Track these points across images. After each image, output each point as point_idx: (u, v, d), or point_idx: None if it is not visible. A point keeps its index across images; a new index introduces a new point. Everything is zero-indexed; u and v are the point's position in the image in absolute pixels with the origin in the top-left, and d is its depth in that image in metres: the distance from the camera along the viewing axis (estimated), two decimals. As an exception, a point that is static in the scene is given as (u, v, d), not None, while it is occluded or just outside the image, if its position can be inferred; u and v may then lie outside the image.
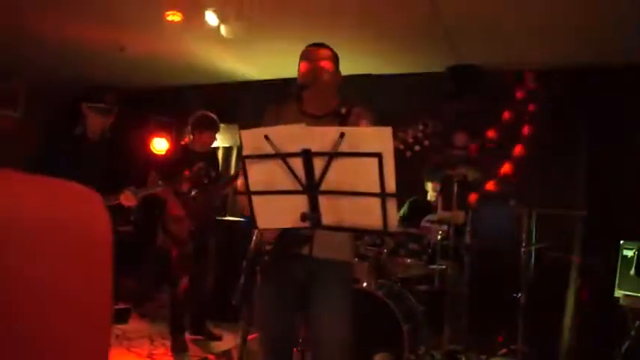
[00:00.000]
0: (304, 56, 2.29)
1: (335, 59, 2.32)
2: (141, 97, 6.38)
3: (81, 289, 0.66)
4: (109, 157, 3.46)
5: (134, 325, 4.78)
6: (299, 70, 2.29)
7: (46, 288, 0.63)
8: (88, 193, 0.70)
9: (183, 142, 4.44)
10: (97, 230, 0.68)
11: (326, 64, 2.26)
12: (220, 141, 6.10)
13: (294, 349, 2.38)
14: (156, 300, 5.30)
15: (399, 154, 1.89)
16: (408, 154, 1.98)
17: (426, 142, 1.95)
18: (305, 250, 1.96)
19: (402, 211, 4.50)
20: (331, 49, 2.32)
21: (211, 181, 4.00)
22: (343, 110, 2.24)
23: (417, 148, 1.98)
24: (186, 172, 3.92)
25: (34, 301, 0.62)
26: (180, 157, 4.22)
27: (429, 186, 4.57)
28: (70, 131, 3.39)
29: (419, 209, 4.46)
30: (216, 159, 4.53)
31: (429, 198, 4.55)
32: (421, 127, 1.96)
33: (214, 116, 4.32)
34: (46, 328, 0.62)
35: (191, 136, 4.26)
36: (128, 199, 3.32)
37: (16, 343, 0.60)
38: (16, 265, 0.60)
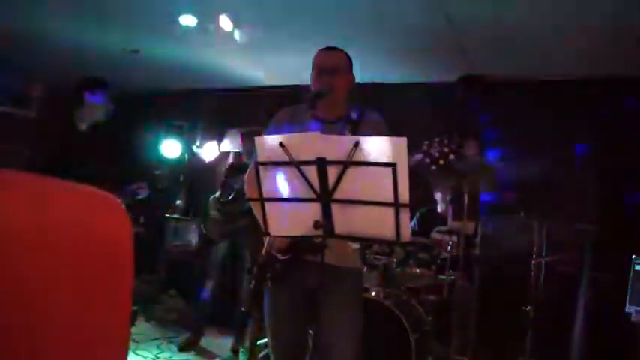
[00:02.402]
0: (319, 65, 2.24)
1: (349, 64, 2.30)
2: (153, 101, 6.42)
3: (102, 294, 0.66)
4: (103, 152, 3.42)
5: (141, 327, 4.79)
6: (314, 79, 2.25)
7: (67, 294, 0.63)
8: (112, 200, 0.70)
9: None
10: (119, 237, 0.69)
11: (342, 73, 2.24)
12: (231, 146, 6.14)
13: (306, 356, 2.37)
14: (163, 303, 5.31)
15: (423, 167, 1.89)
16: (434, 167, 1.97)
17: (452, 157, 1.94)
18: (318, 258, 1.97)
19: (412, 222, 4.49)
20: (345, 53, 2.30)
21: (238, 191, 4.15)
22: (354, 116, 2.23)
23: (441, 162, 1.97)
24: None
25: (57, 305, 0.62)
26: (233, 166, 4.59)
27: (438, 195, 4.55)
28: (69, 123, 3.33)
29: (429, 219, 4.44)
30: None
31: (439, 210, 4.53)
32: (446, 141, 1.95)
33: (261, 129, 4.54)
34: (69, 330, 0.62)
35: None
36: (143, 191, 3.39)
37: (37, 346, 0.60)
38: (35, 273, 0.60)
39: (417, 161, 2.03)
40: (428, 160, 1.99)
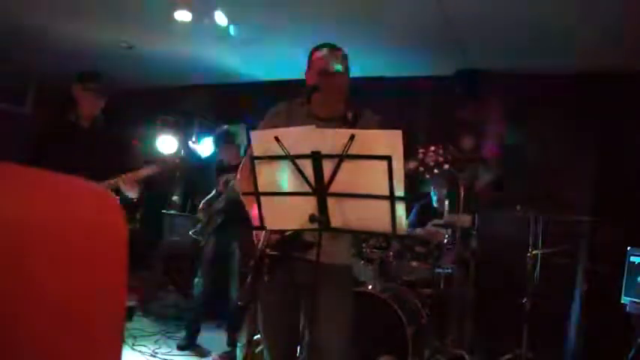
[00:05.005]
0: (323, 67, 2.19)
1: (346, 61, 2.27)
2: (148, 96, 6.40)
3: (95, 290, 0.66)
4: (105, 146, 3.16)
5: (139, 323, 4.79)
6: (313, 77, 2.21)
7: (59, 289, 0.63)
8: (103, 193, 0.70)
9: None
10: (113, 231, 0.68)
11: (343, 73, 2.22)
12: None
13: (299, 350, 2.37)
14: (161, 299, 5.31)
15: (417, 176, 1.89)
16: (427, 176, 1.98)
17: (446, 167, 1.95)
18: (309, 255, 1.96)
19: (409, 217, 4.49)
20: (342, 50, 2.26)
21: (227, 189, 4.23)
22: (350, 115, 2.22)
23: (436, 171, 1.97)
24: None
25: (47, 303, 0.62)
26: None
27: (432, 187, 4.51)
28: (63, 117, 3.20)
29: (426, 213, 4.45)
30: None
31: (434, 204, 4.51)
32: (441, 152, 1.95)
33: (230, 130, 4.49)
34: (61, 326, 0.62)
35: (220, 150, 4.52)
36: (129, 183, 3.02)
37: (31, 340, 0.60)
38: (28, 266, 0.60)
39: (411, 169, 2.03)
40: (422, 169, 1.99)
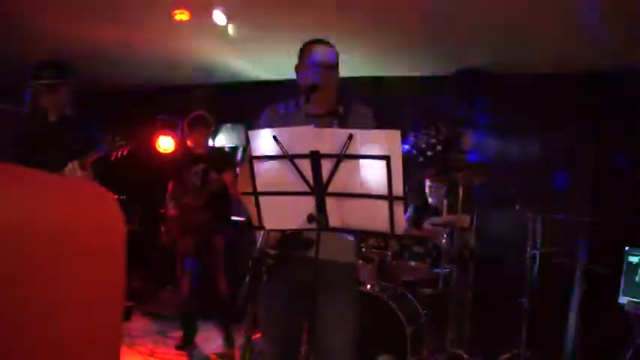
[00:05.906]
0: (318, 61, 2.22)
1: (337, 56, 2.29)
2: (147, 96, 6.40)
3: (95, 288, 0.67)
4: (72, 138, 3.05)
5: (137, 323, 4.80)
6: (307, 73, 2.23)
7: (61, 287, 0.64)
8: (103, 194, 0.70)
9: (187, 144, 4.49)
10: (112, 231, 0.69)
11: (336, 68, 2.25)
12: (226, 141, 6.13)
13: (300, 350, 2.38)
14: (160, 299, 5.31)
15: (410, 159, 1.88)
16: (421, 159, 1.97)
17: (439, 148, 1.94)
18: (310, 253, 1.97)
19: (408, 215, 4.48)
20: (333, 46, 2.28)
21: (206, 183, 4.11)
22: (341, 109, 2.24)
23: (429, 153, 1.96)
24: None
25: (47, 302, 0.62)
26: (182, 158, 4.38)
27: (427, 183, 4.49)
28: (33, 115, 3.14)
29: (424, 212, 4.45)
30: (222, 159, 4.49)
31: (430, 201, 4.50)
32: (433, 132, 1.95)
33: (205, 114, 4.38)
34: (61, 324, 0.62)
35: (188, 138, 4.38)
36: (71, 171, 2.87)
37: (32, 339, 0.60)
38: (28, 266, 0.61)
39: (404, 153, 2.03)
40: (415, 152, 1.99)
